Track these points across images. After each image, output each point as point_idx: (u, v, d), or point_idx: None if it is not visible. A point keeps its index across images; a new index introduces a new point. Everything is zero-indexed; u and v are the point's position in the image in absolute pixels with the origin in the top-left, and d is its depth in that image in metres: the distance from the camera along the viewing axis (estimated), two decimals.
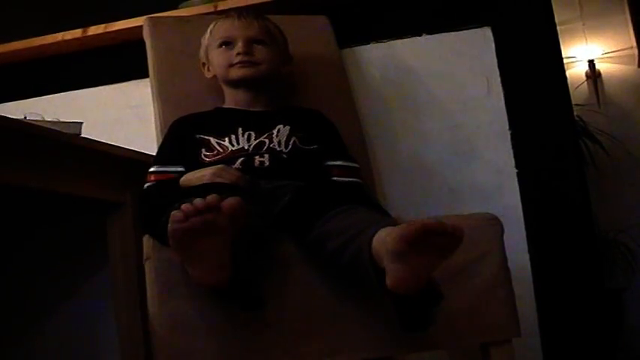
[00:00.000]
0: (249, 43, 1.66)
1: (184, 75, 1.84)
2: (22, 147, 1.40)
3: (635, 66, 4.20)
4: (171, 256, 1.21)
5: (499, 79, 1.99)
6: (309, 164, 1.56)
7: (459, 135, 1.98)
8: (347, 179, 1.58)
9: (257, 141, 1.57)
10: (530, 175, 1.93)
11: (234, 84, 1.67)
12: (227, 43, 1.68)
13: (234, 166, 1.50)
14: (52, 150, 1.49)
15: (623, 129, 4.07)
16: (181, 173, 1.50)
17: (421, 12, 2.08)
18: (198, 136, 1.59)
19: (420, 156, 1.99)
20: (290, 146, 1.57)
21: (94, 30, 2.19)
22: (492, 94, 1.99)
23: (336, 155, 1.62)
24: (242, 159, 1.52)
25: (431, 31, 2.06)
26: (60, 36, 2.21)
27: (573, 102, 2.05)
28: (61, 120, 1.70)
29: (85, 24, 2.20)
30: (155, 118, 1.80)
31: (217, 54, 1.69)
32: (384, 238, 1.11)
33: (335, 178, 1.58)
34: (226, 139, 1.57)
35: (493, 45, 2.00)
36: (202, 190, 1.36)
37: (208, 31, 1.74)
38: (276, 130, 1.59)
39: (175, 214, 1.10)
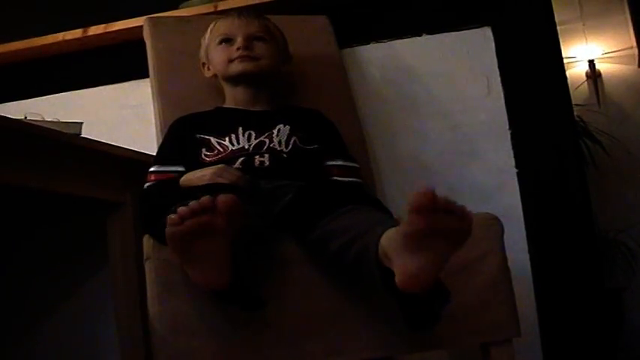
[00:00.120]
0: (249, 39, 1.67)
1: (184, 75, 1.84)
2: (23, 147, 1.40)
3: (635, 66, 4.20)
4: (170, 257, 1.21)
5: (499, 79, 1.99)
6: (309, 164, 1.56)
7: (459, 135, 1.98)
8: (347, 179, 1.58)
9: (257, 140, 1.57)
10: (531, 175, 1.94)
11: (234, 80, 1.67)
12: (227, 40, 1.68)
13: (234, 166, 1.50)
14: (52, 150, 1.49)
15: (623, 129, 4.07)
16: (181, 173, 1.50)
17: (421, 12, 2.08)
18: (198, 135, 1.59)
19: (420, 156, 1.99)
20: (290, 146, 1.57)
21: (94, 30, 2.18)
22: (492, 94, 1.99)
23: (336, 155, 1.62)
24: (242, 159, 1.52)
25: (431, 31, 2.06)
26: (60, 36, 2.21)
27: (573, 102, 2.05)
28: (61, 120, 1.70)
29: (85, 24, 2.20)
30: (155, 118, 1.81)
31: (217, 51, 1.69)
32: (392, 235, 1.09)
33: (335, 178, 1.58)
34: (226, 138, 1.57)
35: (493, 45, 2.01)
36: (203, 190, 1.36)
37: (208, 30, 1.74)
38: (276, 130, 1.59)
39: (171, 217, 1.10)
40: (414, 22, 2.07)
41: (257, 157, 1.53)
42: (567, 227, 1.89)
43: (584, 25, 4.22)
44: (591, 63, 4.30)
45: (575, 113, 2.06)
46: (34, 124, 1.51)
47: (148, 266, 1.28)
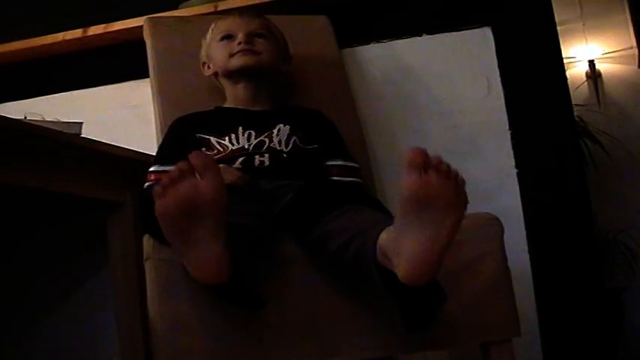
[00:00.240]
0: (251, 35, 1.68)
1: (184, 75, 1.84)
2: (22, 147, 1.40)
3: (636, 66, 4.20)
4: (171, 256, 1.21)
5: (499, 79, 1.99)
6: (309, 164, 1.56)
7: (459, 135, 1.98)
8: (347, 179, 1.58)
9: (257, 140, 1.57)
10: (531, 175, 1.94)
11: (235, 75, 1.67)
12: (228, 37, 1.69)
13: (234, 166, 1.50)
14: (52, 150, 1.49)
15: (623, 129, 4.07)
16: None
17: (421, 12, 2.08)
18: (198, 135, 1.59)
19: None
20: (290, 146, 1.57)
21: (94, 30, 2.19)
22: (492, 94, 1.99)
23: (337, 155, 1.63)
24: (242, 158, 1.52)
25: (431, 31, 2.06)
26: (60, 36, 2.21)
27: (573, 102, 2.05)
28: (62, 120, 1.70)
29: (85, 24, 2.20)
30: (155, 118, 1.81)
31: (219, 47, 1.70)
32: (391, 228, 1.08)
33: (335, 178, 1.58)
34: (226, 138, 1.57)
35: (493, 45, 2.01)
36: None
37: (210, 29, 1.75)
38: (276, 130, 1.59)
39: (156, 189, 1.07)
40: (414, 22, 2.07)
41: (257, 156, 1.53)
42: (567, 227, 1.89)
43: (584, 25, 4.22)
44: (591, 63, 4.30)
45: (575, 113, 2.06)
46: (34, 124, 1.51)
47: (147, 266, 1.28)
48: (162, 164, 1.55)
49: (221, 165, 1.46)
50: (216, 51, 1.70)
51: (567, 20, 4.01)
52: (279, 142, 1.57)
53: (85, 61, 2.26)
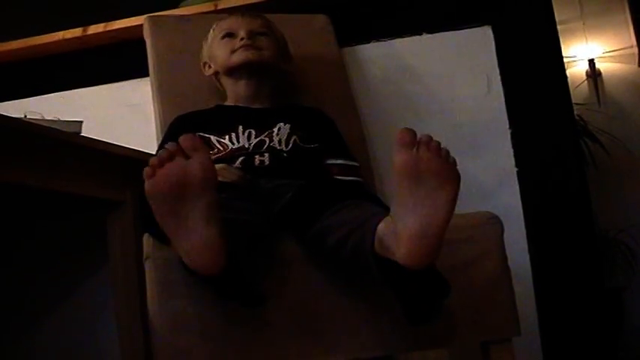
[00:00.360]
0: (252, 33, 1.68)
1: (184, 74, 1.84)
2: (22, 146, 1.40)
3: (636, 65, 4.20)
4: (171, 255, 1.21)
5: (499, 78, 1.99)
6: (309, 163, 1.56)
7: (459, 134, 1.98)
8: (347, 178, 1.58)
9: (257, 139, 1.57)
10: (531, 174, 1.94)
11: (237, 71, 1.67)
12: (230, 35, 1.70)
13: (234, 165, 1.50)
14: (52, 149, 1.48)
15: (624, 128, 4.07)
16: None
17: (421, 11, 2.08)
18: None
19: None
20: (290, 145, 1.57)
21: (94, 29, 2.19)
22: (492, 93, 1.99)
23: (337, 154, 1.63)
24: (242, 158, 1.52)
25: (431, 30, 2.06)
26: (60, 35, 2.21)
27: (573, 101, 2.05)
28: (61, 119, 1.70)
29: (85, 23, 2.20)
30: (155, 117, 1.81)
31: (220, 45, 1.70)
32: (388, 218, 1.09)
33: (335, 177, 1.58)
34: (226, 137, 1.57)
35: (493, 44, 2.01)
36: None
37: (211, 30, 1.76)
38: (276, 129, 1.59)
39: (146, 170, 1.08)
40: (414, 21, 2.07)
41: (257, 156, 1.53)
42: (567, 226, 1.89)
43: (584, 24, 4.22)
44: (591, 62, 4.30)
45: (575, 112, 2.06)
46: (33, 123, 1.50)
47: (147, 265, 1.28)
48: None
49: (221, 164, 1.47)
50: (218, 49, 1.71)
51: (567, 19, 4.01)
52: (280, 141, 1.57)
53: (85, 59, 2.26)
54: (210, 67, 1.75)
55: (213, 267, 1.10)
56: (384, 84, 2.07)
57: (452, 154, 1.08)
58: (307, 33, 1.95)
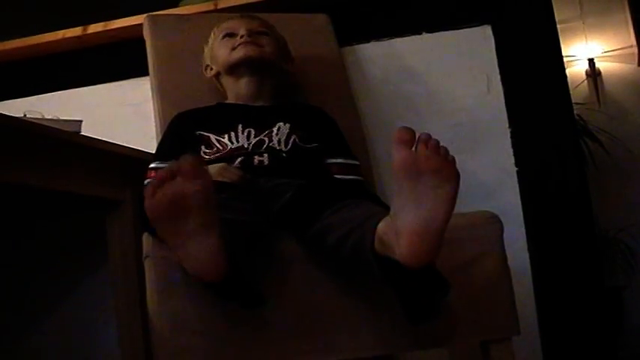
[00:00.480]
0: (252, 31, 1.69)
1: (184, 73, 1.85)
2: (22, 145, 1.40)
3: (635, 65, 4.20)
4: (171, 253, 1.20)
5: (499, 78, 1.99)
6: (308, 163, 1.56)
7: (459, 133, 1.98)
8: (347, 177, 1.58)
9: (257, 139, 1.57)
10: (531, 174, 1.94)
11: (238, 68, 1.67)
12: (230, 34, 1.71)
13: (233, 165, 1.50)
14: (52, 148, 1.48)
15: (623, 128, 4.06)
16: None
17: (421, 10, 2.08)
18: (198, 132, 1.59)
19: None
20: (290, 145, 1.57)
21: (94, 28, 2.19)
22: (492, 92, 1.99)
23: (337, 153, 1.63)
24: (241, 158, 1.52)
25: (431, 30, 2.06)
26: (60, 34, 2.21)
27: (573, 101, 2.05)
28: (61, 118, 1.70)
29: (85, 22, 2.20)
30: (155, 116, 1.81)
31: (221, 44, 1.71)
32: (387, 217, 1.08)
33: (335, 176, 1.58)
34: (226, 136, 1.57)
35: (493, 43, 2.01)
36: None
37: (212, 33, 1.76)
38: (276, 128, 1.59)
39: (147, 189, 1.08)
40: (414, 21, 2.07)
41: (256, 156, 1.53)
42: (567, 226, 1.89)
43: (584, 23, 4.21)
44: (591, 62, 4.30)
45: (575, 112, 2.06)
46: (33, 122, 1.51)
47: (147, 264, 1.28)
48: (162, 161, 1.55)
49: (221, 164, 1.47)
50: (219, 48, 1.71)
51: (567, 19, 4.00)
52: (279, 141, 1.57)
53: (84, 59, 2.26)
54: (211, 69, 1.75)
55: (214, 276, 1.13)
56: (383, 83, 2.07)
57: (452, 153, 1.08)
58: (307, 32, 1.95)
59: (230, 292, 1.19)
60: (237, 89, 1.70)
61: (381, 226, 1.10)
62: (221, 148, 1.56)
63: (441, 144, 1.08)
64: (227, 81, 1.72)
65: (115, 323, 1.70)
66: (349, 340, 1.29)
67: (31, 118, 1.62)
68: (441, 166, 1.05)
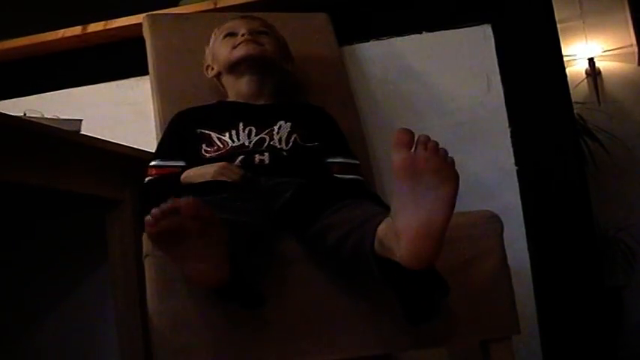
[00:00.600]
0: (253, 31, 1.69)
1: (184, 72, 1.84)
2: (22, 144, 1.40)
3: (635, 64, 4.20)
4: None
5: (499, 77, 1.99)
6: (309, 162, 1.56)
7: (458, 132, 1.98)
8: (347, 176, 1.58)
9: (257, 137, 1.56)
10: (530, 173, 1.94)
11: (239, 66, 1.67)
12: (231, 34, 1.71)
13: (234, 164, 1.50)
14: (52, 147, 1.48)
15: (623, 127, 4.06)
16: (182, 168, 1.51)
17: (421, 10, 2.08)
18: (198, 130, 1.59)
19: None
20: (291, 144, 1.57)
21: (93, 27, 2.19)
22: (492, 91, 1.99)
23: (337, 152, 1.63)
24: (242, 157, 1.52)
25: (431, 29, 2.06)
26: (60, 33, 2.21)
27: (573, 100, 2.05)
28: (61, 117, 1.70)
29: (84, 21, 2.20)
30: (155, 115, 1.81)
31: (222, 44, 1.71)
32: (388, 219, 1.08)
33: (335, 175, 1.58)
34: (227, 134, 1.57)
35: (493, 43, 2.01)
36: (204, 187, 1.36)
37: (212, 34, 1.76)
38: (277, 127, 1.59)
39: (147, 218, 1.09)
40: (413, 20, 2.07)
41: (257, 155, 1.53)
42: (567, 225, 1.89)
43: (584, 23, 4.21)
44: (591, 61, 4.30)
45: (574, 111, 2.06)
46: (33, 122, 1.51)
47: (147, 263, 1.28)
48: (162, 159, 1.56)
49: (223, 163, 1.47)
50: (220, 48, 1.71)
51: (567, 18, 4.00)
52: (280, 139, 1.57)
53: (84, 58, 2.26)
54: (212, 69, 1.75)
55: (217, 284, 1.16)
56: (383, 83, 2.07)
57: (451, 152, 1.08)
58: (307, 31, 1.95)
59: (231, 295, 1.20)
60: (238, 88, 1.69)
61: (381, 228, 1.10)
62: (222, 146, 1.56)
63: (441, 144, 1.07)
64: (228, 80, 1.72)
65: (115, 322, 1.70)
66: (349, 339, 1.29)
67: (30, 117, 1.62)
68: (440, 168, 1.05)
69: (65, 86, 2.26)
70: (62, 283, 2.06)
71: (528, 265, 1.88)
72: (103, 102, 2.22)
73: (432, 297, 1.18)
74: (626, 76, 4.26)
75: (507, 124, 1.96)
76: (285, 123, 1.60)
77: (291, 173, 1.48)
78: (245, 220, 1.24)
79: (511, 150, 1.95)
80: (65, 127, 1.59)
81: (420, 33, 2.06)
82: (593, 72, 4.28)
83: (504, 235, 1.38)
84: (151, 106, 1.83)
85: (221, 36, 1.72)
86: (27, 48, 2.24)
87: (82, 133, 1.66)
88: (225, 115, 1.63)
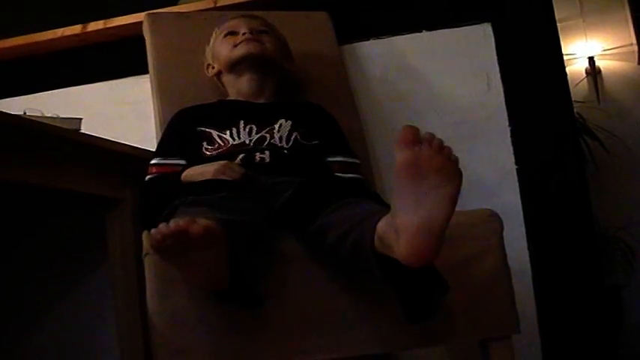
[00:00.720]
0: (253, 30, 1.70)
1: (184, 71, 1.84)
2: (22, 143, 1.40)
3: (635, 63, 4.19)
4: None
5: (499, 76, 1.99)
6: (309, 160, 1.56)
7: (458, 131, 1.98)
8: (347, 175, 1.58)
9: (258, 136, 1.57)
10: (530, 172, 1.94)
11: (239, 65, 1.67)
12: (232, 33, 1.71)
13: (234, 162, 1.50)
14: (52, 146, 1.48)
15: (623, 126, 4.06)
16: (183, 166, 1.51)
17: (421, 8, 2.08)
18: (199, 128, 1.59)
19: None
20: (291, 142, 1.57)
21: (93, 26, 2.18)
22: (492, 90, 1.99)
23: (337, 151, 1.63)
24: (242, 155, 1.52)
25: (431, 28, 2.06)
26: (60, 32, 2.21)
27: (573, 99, 2.04)
28: (61, 116, 1.70)
29: (84, 20, 2.20)
30: (154, 115, 1.81)
31: (223, 43, 1.71)
32: (388, 216, 1.08)
33: (336, 174, 1.58)
34: (227, 132, 1.57)
35: (493, 41, 2.01)
36: (205, 186, 1.36)
37: (213, 33, 1.76)
38: (277, 125, 1.59)
39: (153, 233, 1.07)
40: (413, 19, 2.07)
41: (257, 153, 1.53)
42: (567, 224, 1.89)
43: (584, 21, 4.21)
44: (591, 60, 4.29)
45: (574, 110, 2.06)
46: (33, 120, 1.50)
47: (147, 262, 1.28)
48: (163, 157, 1.56)
49: (223, 161, 1.47)
50: (221, 47, 1.71)
51: (567, 17, 4.00)
52: (280, 138, 1.57)
53: (84, 57, 2.26)
54: (213, 68, 1.75)
55: (219, 286, 1.17)
56: (383, 81, 2.07)
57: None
58: (307, 30, 1.95)
59: (231, 296, 1.20)
60: (238, 86, 1.69)
61: (381, 224, 1.09)
62: (222, 144, 1.56)
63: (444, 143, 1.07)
64: (228, 79, 1.72)
65: (115, 321, 1.70)
66: (349, 338, 1.29)
67: (30, 115, 1.62)
68: (443, 166, 1.04)
69: (65, 85, 2.26)
70: (62, 283, 2.06)
71: (528, 265, 1.88)
72: (102, 101, 2.22)
73: (431, 295, 1.18)
74: (626, 75, 4.25)
75: (507, 124, 1.96)
76: (286, 121, 1.60)
77: (291, 172, 1.48)
78: (245, 220, 1.24)
79: (511, 149, 1.95)
80: (65, 126, 1.59)
81: (420, 32, 2.06)
82: (593, 71, 4.28)
83: (504, 234, 1.38)
84: (151, 105, 1.83)
85: (221, 35, 1.72)
86: (27, 47, 2.24)
87: (82, 131, 1.66)
88: (225, 113, 1.63)
